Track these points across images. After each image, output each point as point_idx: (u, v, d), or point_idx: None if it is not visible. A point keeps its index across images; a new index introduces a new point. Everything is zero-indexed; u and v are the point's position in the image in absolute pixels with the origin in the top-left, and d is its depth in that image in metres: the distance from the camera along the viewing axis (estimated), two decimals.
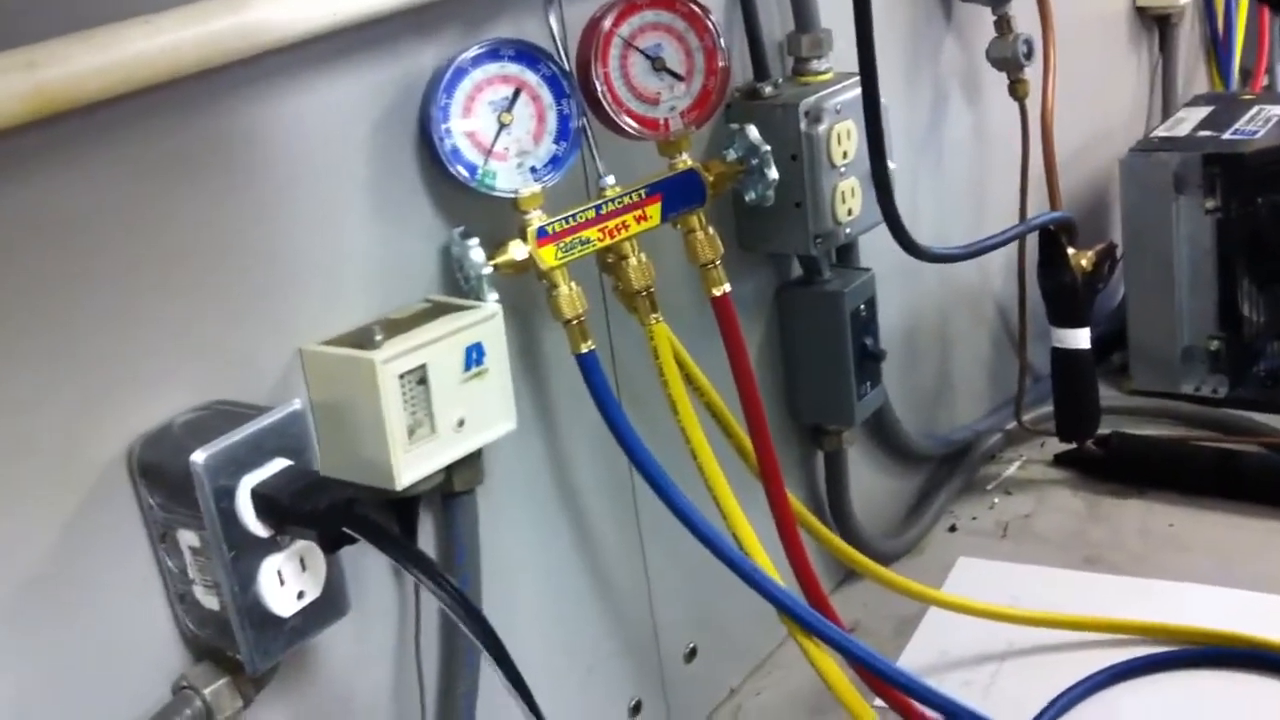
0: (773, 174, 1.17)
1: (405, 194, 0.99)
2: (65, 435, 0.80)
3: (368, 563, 0.98)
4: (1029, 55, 1.62)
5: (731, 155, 1.18)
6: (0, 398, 0.76)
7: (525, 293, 1.06)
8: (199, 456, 0.80)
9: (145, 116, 0.81)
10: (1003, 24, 1.61)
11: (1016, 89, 1.64)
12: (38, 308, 0.78)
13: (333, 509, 0.80)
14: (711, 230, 1.14)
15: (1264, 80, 2.27)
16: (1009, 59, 1.62)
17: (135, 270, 0.82)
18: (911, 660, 1.40)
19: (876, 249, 1.40)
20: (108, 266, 0.81)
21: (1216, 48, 2.27)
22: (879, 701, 1.23)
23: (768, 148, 1.16)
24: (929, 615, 1.46)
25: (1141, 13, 2.13)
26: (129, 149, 0.81)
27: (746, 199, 1.19)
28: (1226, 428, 1.76)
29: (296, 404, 0.86)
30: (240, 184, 0.88)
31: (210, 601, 0.84)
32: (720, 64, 1.11)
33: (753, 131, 1.17)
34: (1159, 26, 2.17)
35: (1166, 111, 2.16)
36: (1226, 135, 1.79)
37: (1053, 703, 1.30)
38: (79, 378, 0.80)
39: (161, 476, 0.82)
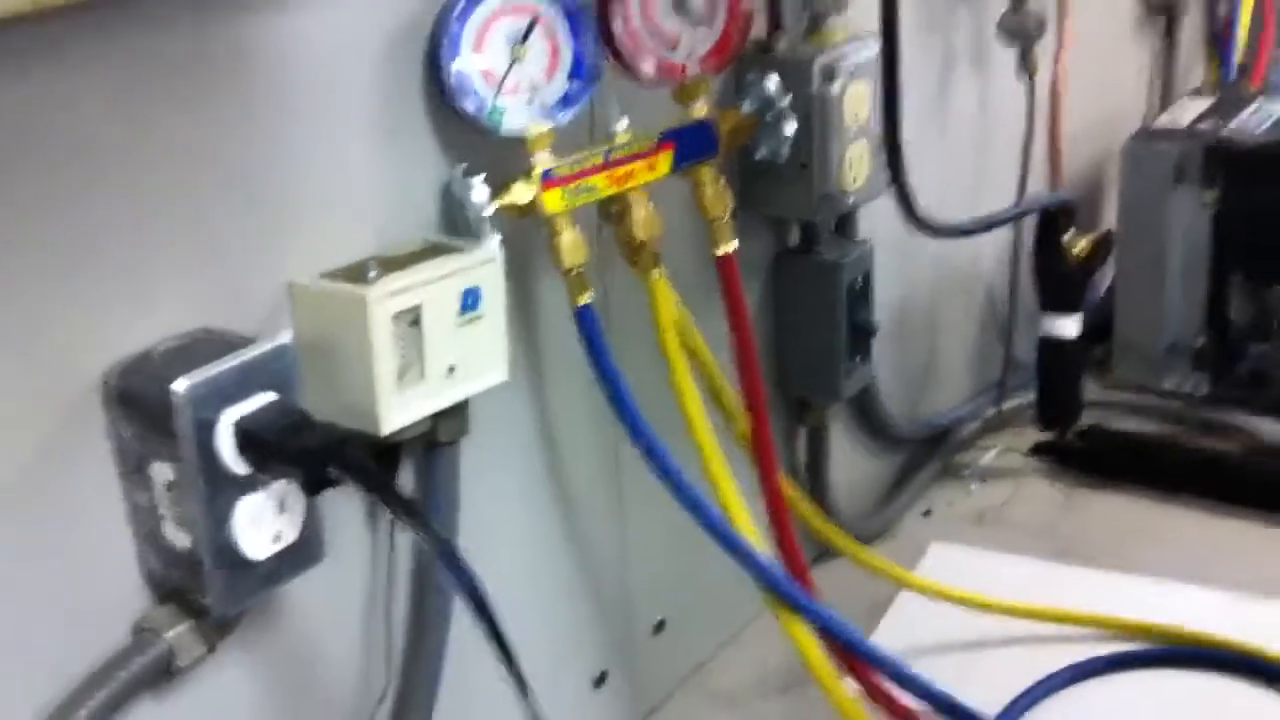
0: (789, 128, 1.12)
1: (409, 126, 0.94)
2: (36, 357, 0.75)
3: (343, 514, 0.94)
4: (1041, 29, 1.58)
5: (747, 107, 1.13)
6: None
7: (522, 241, 1.02)
8: (180, 385, 0.76)
9: (145, 22, 0.76)
10: None
11: (1026, 63, 1.60)
12: (10, 220, 0.73)
13: (324, 449, 0.76)
14: (723, 183, 1.10)
15: (1264, 75, 2.23)
16: (1021, 32, 1.58)
17: (119, 187, 0.78)
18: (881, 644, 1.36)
19: (871, 222, 1.37)
20: (90, 180, 0.76)
21: (1218, 40, 2.24)
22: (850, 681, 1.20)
23: (786, 101, 1.12)
24: (899, 600, 1.43)
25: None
26: (124, 55, 0.76)
27: (757, 155, 1.14)
28: (1207, 426, 1.75)
29: (285, 337, 0.81)
30: (238, 102, 0.83)
31: (181, 540, 0.80)
32: (744, 7, 1.07)
33: (771, 82, 1.12)
34: (1166, 15, 2.14)
35: (1166, 101, 2.14)
36: (1229, 128, 1.77)
37: (1020, 698, 1.27)
38: (53, 298, 0.76)
39: (139, 406, 0.78)
